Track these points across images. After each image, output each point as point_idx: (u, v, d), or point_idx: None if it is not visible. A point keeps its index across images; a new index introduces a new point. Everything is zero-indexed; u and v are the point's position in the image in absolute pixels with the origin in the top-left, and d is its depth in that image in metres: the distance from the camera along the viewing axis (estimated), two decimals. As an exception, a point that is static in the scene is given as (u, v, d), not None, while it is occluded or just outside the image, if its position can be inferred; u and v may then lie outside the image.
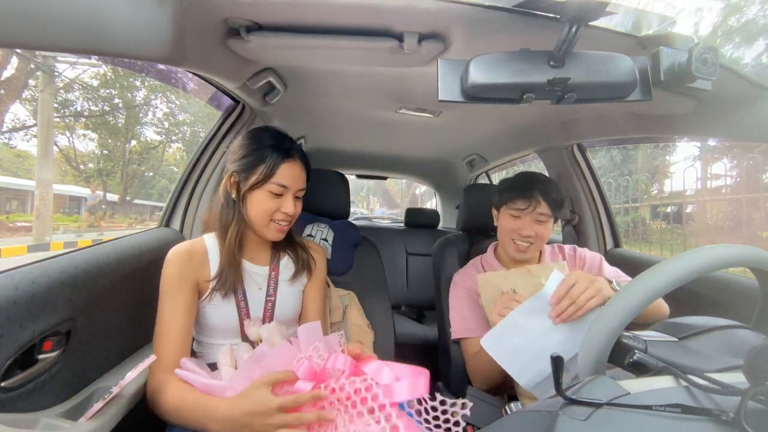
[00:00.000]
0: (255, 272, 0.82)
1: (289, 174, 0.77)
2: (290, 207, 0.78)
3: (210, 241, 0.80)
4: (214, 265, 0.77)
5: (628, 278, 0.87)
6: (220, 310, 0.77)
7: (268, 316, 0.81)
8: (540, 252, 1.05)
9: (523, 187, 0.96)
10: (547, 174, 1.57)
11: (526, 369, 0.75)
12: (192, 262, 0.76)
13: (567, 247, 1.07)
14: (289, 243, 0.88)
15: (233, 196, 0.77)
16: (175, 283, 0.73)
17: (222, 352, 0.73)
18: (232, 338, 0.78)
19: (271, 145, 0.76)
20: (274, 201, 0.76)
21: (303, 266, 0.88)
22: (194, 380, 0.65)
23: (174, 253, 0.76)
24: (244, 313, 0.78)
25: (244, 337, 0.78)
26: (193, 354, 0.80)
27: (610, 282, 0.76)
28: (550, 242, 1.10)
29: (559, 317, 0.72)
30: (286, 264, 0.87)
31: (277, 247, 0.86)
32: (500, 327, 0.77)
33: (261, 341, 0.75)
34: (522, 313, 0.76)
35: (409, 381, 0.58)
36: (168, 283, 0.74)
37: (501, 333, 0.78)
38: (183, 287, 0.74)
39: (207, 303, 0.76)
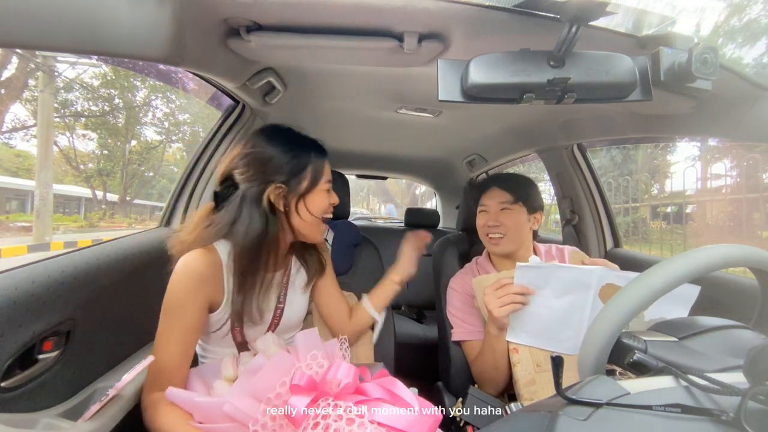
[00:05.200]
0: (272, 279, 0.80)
1: (329, 168, 0.79)
2: (335, 196, 0.80)
3: (223, 253, 0.71)
4: (228, 279, 0.71)
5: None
6: (222, 325, 0.73)
7: (275, 323, 0.80)
8: (535, 250, 1.05)
9: (483, 184, 1.07)
10: (547, 174, 1.57)
11: (561, 338, 0.82)
12: (207, 280, 0.68)
13: (568, 249, 1.05)
14: (303, 247, 0.86)
15: (281, 208, 0.72)
16: (185, 302, 0.66)
17: (225, 363, 0.71)
18: (227, 347, 0.76)
19: (309, 147, 0.76)
20: (328, 197, 0.78)
21: (320, 267, 0.89)
22: (189, 400, 0.63)
23: (186, 268, 0.66)
24: (238, 335, 0.74)
25: (239, 348, 0.76)
26: (195, 357, 0.78)
27: None
28: (546, 242, 1.09)
29: None
30: (298, 270, 0.87)
31: (291, 252, 0.85)
32: (511, 319, 0.84)
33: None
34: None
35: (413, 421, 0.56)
36: (176, 300, 0.66)
37: (514, 325, 0.85)
38: (192, 308, 0.67)
39: (214, 315, 0.73)
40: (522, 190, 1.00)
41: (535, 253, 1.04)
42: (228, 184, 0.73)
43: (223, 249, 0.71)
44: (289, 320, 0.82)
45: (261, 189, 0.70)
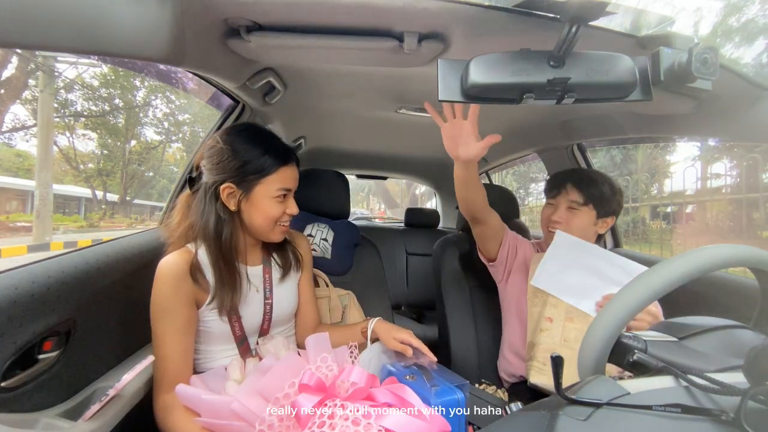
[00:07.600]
0: (251, 273, 0.81)
1: (291, 176, 0.77)
2: (294, 207, 0.79)
3: (201, 253, 0.74)
4: (210, 277, 0.73)
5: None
6: (216, 319, 0.75)
7: (267, 319, 0.81)
8: None
9: (557, 177, 1.04)
10: (547, 174, 1.57)
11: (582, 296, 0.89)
12: (187, 278, 0.70)
13: None
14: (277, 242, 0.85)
15: (232, 208, 0.74)
16: (171, 302, 0.68)
17: (232, 366, 0.72)
18: (226, 344, 0.77)
19: (268, 151, 0.74)
20: (280, 205, 0.76)
21: (295, 260, 0.88)
22: (196, 398, 0.63)
23: (166, 269, 0.69)
24: (237, 326, 0.76)
25: (238, 344, 0.77)
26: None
27: None
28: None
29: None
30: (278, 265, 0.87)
31: (268, 246, 0.86)
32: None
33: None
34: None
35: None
36: (163, 301, 0.68)
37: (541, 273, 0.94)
38: (179, 306, 0.69)
39: (203, 312, 0.74)
40: (596, 192, 0.97)
41: None
42: (199, 171, 0.76)
43: (201, 246, 0.74)
44: (280, 314, 0.84)
45: (215, 185, 0.72)
